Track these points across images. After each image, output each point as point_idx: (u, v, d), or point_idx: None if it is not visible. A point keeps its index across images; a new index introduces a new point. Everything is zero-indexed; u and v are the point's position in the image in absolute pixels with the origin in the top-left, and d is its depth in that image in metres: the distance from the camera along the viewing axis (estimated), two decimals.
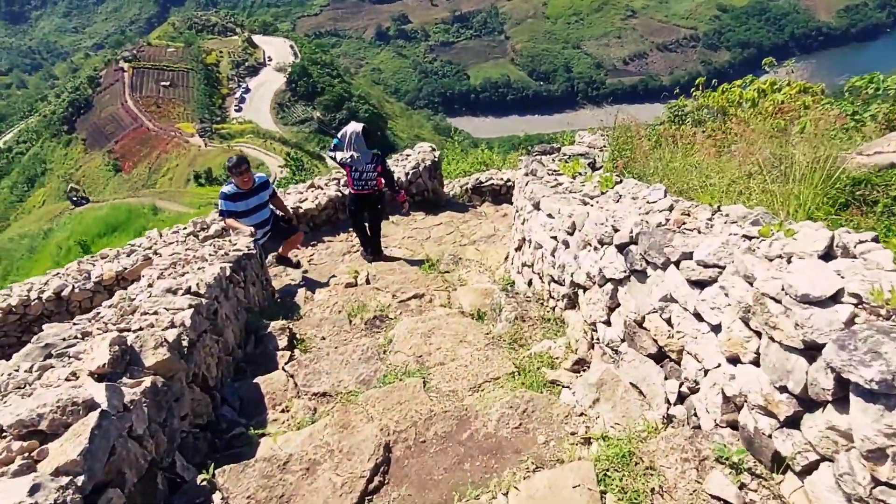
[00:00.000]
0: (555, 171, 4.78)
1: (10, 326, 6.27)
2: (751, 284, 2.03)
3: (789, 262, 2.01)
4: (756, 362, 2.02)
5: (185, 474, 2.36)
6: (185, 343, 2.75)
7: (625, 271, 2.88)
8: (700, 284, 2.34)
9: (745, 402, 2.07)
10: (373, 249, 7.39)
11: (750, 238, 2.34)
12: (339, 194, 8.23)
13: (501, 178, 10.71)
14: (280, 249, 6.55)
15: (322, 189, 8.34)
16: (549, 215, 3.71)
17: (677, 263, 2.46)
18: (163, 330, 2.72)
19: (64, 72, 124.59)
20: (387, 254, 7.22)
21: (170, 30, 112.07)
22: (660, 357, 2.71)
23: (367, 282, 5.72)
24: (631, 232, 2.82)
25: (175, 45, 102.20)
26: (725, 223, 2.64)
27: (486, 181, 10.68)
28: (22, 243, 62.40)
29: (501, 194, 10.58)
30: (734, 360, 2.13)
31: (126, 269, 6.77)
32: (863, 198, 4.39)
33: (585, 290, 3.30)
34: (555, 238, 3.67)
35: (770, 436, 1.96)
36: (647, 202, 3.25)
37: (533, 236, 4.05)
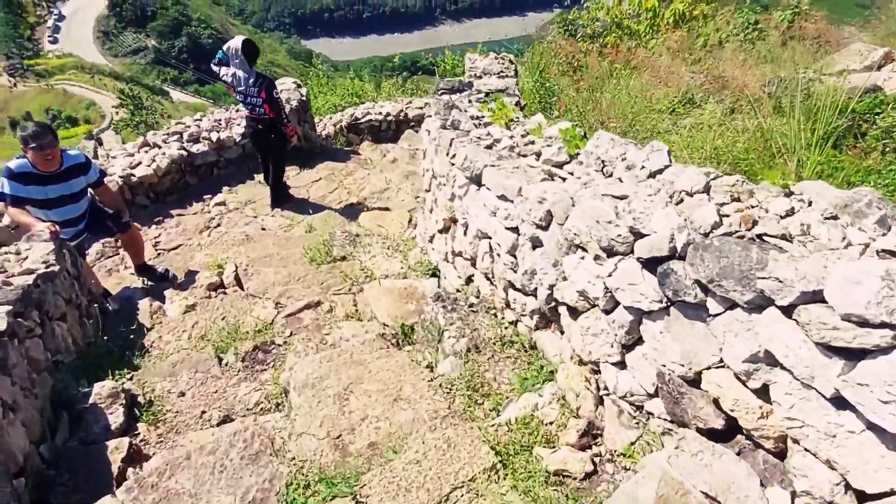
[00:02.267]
0: (478, 117, 3.56)
1: None
2: None
3: None
4: None
5: None
6: None
7: (660, 300, 1.82)
8: (848, 354, 1.33)
9: None
10: (272, 194, 6.20)
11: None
12: (184, 153, 6.40)
13: (380, 113, 9.28)
14: (129, 254, 4.76)
15: (160, 148, 6.43)
16: (503, 196, 2.53)
17: (788, 309, 1.44)
18: None
19: None
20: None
21: None
22: (726, 435, 1.74)
23: (238, 281, 4.26)
24: (671, 241, 1.74)
25: None
26: (823, 220, 1.65)
27: (363, 117, 9.19)
28: None
29: (381, 131, 9.19)
30: None
31: None
32: (852, 131, 3.69)
33: (577, 311, 2.23)
34: (514, 230, 2.52)
35: None
36: (656, 176, 2.18)
37: (474, 222, 2.87)
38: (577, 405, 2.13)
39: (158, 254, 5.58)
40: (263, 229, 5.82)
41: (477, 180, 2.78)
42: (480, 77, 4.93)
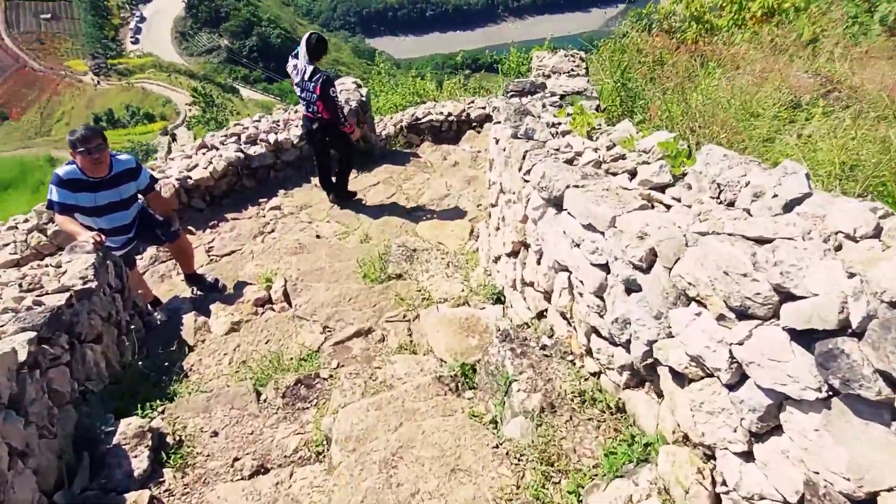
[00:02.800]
0: (554, 124, 3.11)
1: None
2: None
3: None
4: None
5: None
6: None
7: (819, 389, 1.33)
8: None
9: None
10: (335, 193, 6.09)
11: None
12: (241, 155, 6.22)
13: (441, 113, 8.90)
14: (178, 262, 4.60)
15: (217, 150, 6.29)
16: (590, 226, 2.08)
17: None
18: None
19: None
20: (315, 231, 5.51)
21: None
22: None
23: (286, 296, 3.97)
24: (842, 311, 1.25)
25: None
26: None
27: (424, 117, 8.84)
28: None
29: (442, 132, 8.81)
30: None
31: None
32: None
33: (685, 378, 1.76)
34: (603, 268, 2.06)
35: None
36: (794, 207, 1.67)
37: (551, 251, 2.43)
38: None
39: (211, 260, 5.41)
40: (318, 237, 5.56)
41: (556, 203, 2.33)
42: (549, 76, 4.48)
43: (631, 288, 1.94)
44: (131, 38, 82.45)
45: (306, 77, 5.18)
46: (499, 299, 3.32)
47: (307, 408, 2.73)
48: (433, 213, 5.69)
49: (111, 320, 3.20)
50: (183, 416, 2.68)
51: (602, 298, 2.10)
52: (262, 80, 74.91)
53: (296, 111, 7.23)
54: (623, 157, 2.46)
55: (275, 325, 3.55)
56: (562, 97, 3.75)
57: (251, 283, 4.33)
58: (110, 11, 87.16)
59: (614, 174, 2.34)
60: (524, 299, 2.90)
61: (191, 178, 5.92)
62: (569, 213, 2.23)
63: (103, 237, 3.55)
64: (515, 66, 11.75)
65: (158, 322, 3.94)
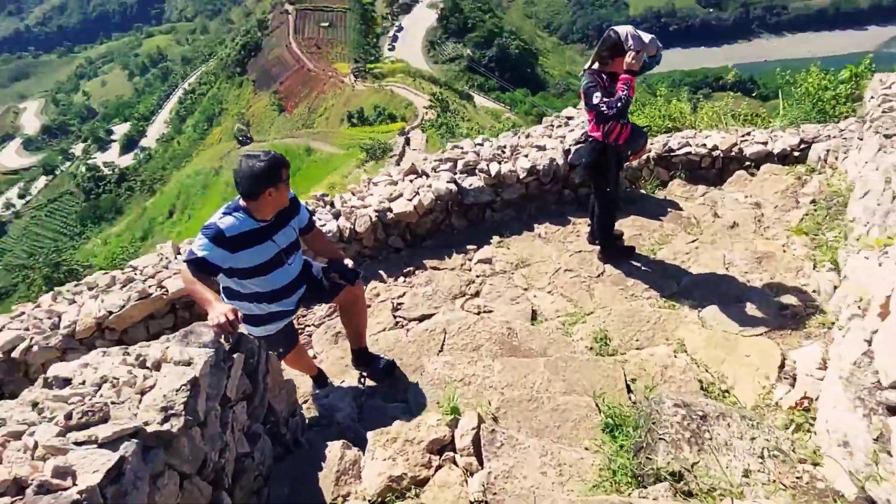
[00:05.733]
0: None
1: None
2: None
3: None
4: None
5: None
6: None
7: None
8: None
9: None
10: (599, 241, 4.66)
11: None
12: (453, 188, 4.96)
13: (703, 145, 6.70)
14: (346, 330, 3.47)
15: (427, 177, 5.13)
16: None
17: None
18: None
19: (239, 16, 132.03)
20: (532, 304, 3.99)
21: None
22: None
23: (476, 450, 2.48)
24: None
25: None
26: None
27: (679, 149, 6.75)
28: (197, 179, 68.26)
29: (700, 168, 6.64)
30: None
31: (111, 313, 4.26)
32: None
33: None
34: None
35: None
36: None
37: None
38: None
39: (397, 323, 4.22)
40: (534, 317, 4.03)
41: None
42: None
43: None
44: (388, 45, 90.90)
45: (581, 78, 4.03)
46: None
47: None
48: (706, 309, 3.77)
49: (204, 470, 2.03)
50: None
51: None
52: (496, 89, 76.67)
53: (527, 136, 5.79)
54: None
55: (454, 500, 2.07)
56: None
57: (430, 399, 2.96)
58: (375, 21, 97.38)
59: None
60: None
61: (391, 211, 4.82)
62: None
63: (240, 315, 2.44)
64: (814, 91, 8.95)
65: (302, 443, 2.76)
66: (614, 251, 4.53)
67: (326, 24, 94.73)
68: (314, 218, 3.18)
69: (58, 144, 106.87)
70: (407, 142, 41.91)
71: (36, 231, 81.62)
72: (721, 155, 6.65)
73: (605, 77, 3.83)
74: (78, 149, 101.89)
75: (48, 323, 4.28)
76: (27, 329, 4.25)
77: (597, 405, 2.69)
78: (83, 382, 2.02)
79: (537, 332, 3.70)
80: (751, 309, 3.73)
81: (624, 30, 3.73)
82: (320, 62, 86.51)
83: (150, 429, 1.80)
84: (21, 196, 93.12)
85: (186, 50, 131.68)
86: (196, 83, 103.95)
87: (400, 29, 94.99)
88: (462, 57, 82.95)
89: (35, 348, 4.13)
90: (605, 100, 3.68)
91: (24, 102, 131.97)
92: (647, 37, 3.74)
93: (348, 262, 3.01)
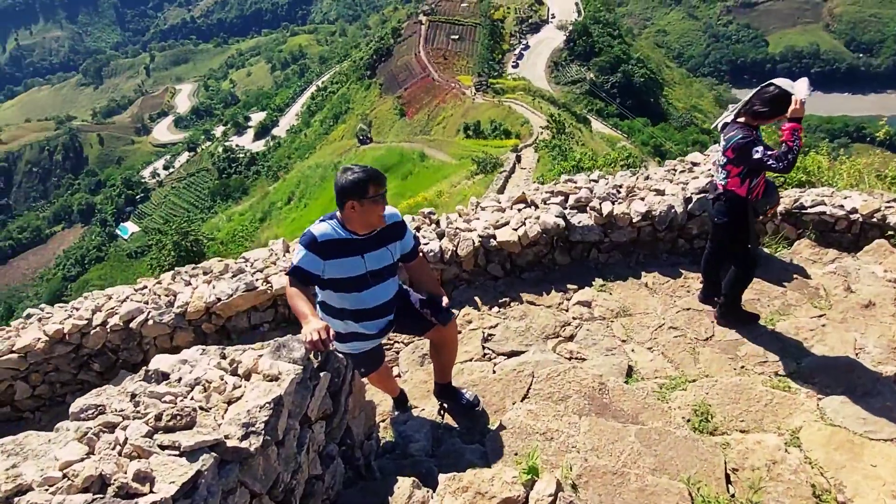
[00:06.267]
0: None
1: (60, 360, 4.47)
2: None
3: None
4: None
5: None
6: None
7: None
8: None
9: None
10: (724, 303, 4.22)
11: None
12: (561, 223, 4.78)
13: (840, 206, 5.88)
14: (433, 363, 3.43)
15: (536, 209, 5.00)
16: None
17: None
18: None
19: (376, 23, 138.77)
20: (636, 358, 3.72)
21: None
22: None
23: None
24: None
25: (469, 0, 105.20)
26: None
27: (812, 207, 5.96)
28: (316, 171, 72.15)
29: (834, 231, 5.86)
30: None
31: (219, 300, 4.50)
32: None
33: None
34: None
35: None
36: None
37: None
38: None
39: (485, 355, 4.12)
40: (629, 374, 3.77)
41: None
42: None
43: None
44: (513, 62, 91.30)
45: (719, 128, 3.79)
46: None
47: None
48: (827, 399, 3.33)
49: (274, 490, 2.03)
50: None
51: None
52: (615, 116, 74.62)
53: (646, 177, 5.49)
54: None
55: None
56: None
57: (508, 448, 2.82)
58: (503, 38, 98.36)
59: None
60: None
61: (495, 238, 4.74)
62: None
63: (332, 333, 2.45)
64: None
65: (374, 469, 2.73)
66: (735, 315, 4.14)
67: (456, 36, 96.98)
68: (420, 247, 3.16)
69: (202, 125, 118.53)
70: (518, 159, 41.77)
71: (173, 200, 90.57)
72: (860, 219, 5.87)
73: (757, 130, 3.53)
74: (218, 131, 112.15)
75: (165, 300, 4.59)
76: (146, 303, 4.59)
77: (690, 495, 2.43)
78: (179, 380, 2.09)
79: (631, 392, 3.44)
80: (883, 408, 3.26)
81: (786, 83, 3.40)
82: (445, 73, 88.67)
83: (229, 443, 1.82)
84: (166, 167, 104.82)
85: (324, 50, 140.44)
86: (329, 81, 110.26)
87: (526, 47, 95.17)
88: (584, 80, 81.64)
89: (150, 322, 4.45)
90: (769, 152, 3.36)
91: (181, 85, 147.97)
92: (807, 85, 3.39)
93: (444, 301, 2.95)
